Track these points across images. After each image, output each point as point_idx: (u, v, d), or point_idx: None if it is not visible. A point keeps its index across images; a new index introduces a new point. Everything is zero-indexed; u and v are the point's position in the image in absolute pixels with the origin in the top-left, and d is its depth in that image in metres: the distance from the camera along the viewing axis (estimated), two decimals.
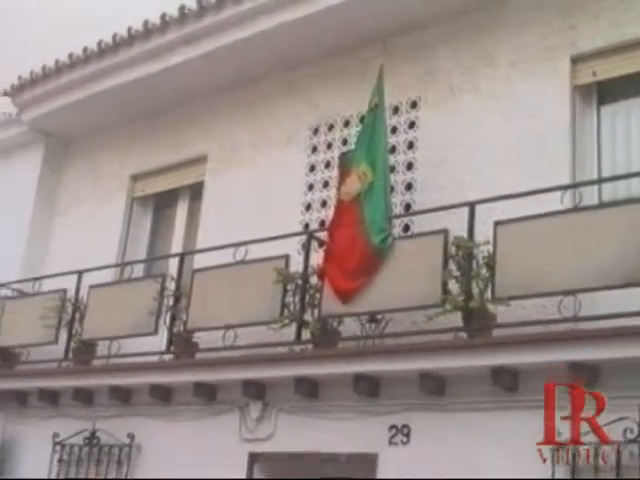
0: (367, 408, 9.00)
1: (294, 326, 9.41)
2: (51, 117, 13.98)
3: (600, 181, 8.68)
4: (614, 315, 7.31)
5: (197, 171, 12.53)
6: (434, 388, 8.49)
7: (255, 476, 9.82)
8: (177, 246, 12.65)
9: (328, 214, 10.10)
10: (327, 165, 10.84)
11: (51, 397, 12.18)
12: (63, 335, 11.89)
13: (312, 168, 10.98)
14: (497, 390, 8.06)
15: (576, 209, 7.93)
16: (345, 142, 10.68)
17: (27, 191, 14.39)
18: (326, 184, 10.73)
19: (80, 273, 12.01)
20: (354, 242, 8.99)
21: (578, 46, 9.10)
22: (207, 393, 10.35)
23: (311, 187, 10.89)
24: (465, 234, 8.38)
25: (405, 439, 8.69)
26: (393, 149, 10.04)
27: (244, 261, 10.02)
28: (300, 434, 9.48)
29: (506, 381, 8.00)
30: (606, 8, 8.97)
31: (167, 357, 10.77)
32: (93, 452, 11.30)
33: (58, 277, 12.42)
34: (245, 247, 10.03)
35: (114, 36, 12.58)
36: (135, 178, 13.47)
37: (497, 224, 8.14)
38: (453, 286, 8.30)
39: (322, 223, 10.39)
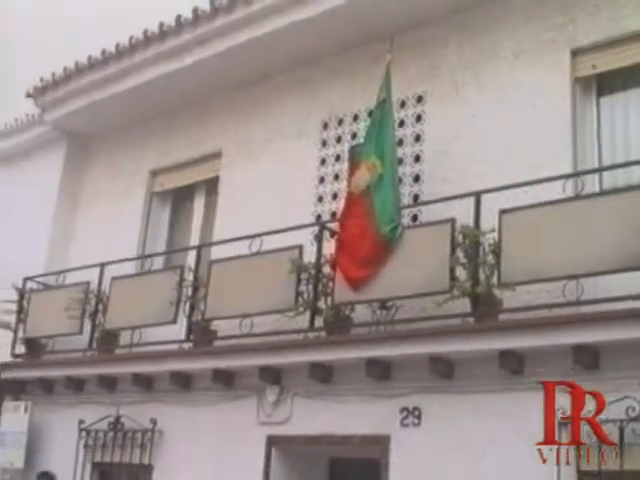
0: (379, 391, 9.00)
1: (308, 314, 9.40)
2: (72, 117, 14.00)
3: (600, 169, 8.66)
4: (615, 298, 7.31)
5: (213, 166, 12.53)
6: (443, 371, 8.49)
7: (273, 457, 9.83)
8: (195, 238, 12.65)
9: (339, 206, 10.07)
10: (337, 158, 10.83)
11: (77, 385, 12.22)
12: (87, 325, 11.93)
13: (323, 161, 10.97)
14: (504, 372, 8.06)
15: (578, 197, 7.91)
16: (354, 136, 10.66)
17: (51, 188, 14.43)
18: (337, 177, 10.72)
19: (102, 266, 12.04)
20: (365, 232, 8.98)
21: (578, 40, 9.06)
22: (225, 379, 10.37)
23: (322, 180, 10.88)
24: (471, 223, 8.36)
25: (416, 421, 8.70)
26: (401, 142, 10.02)
27: (259, 252, 10.03)
28: (315, 417, 9.49)
29: (512, 364, 8.00)
30: (604, 3, 8.93)
31: (186, 345, 10.81)
32: (117, 437, 11.35)
33: (81, 270, 12.44)
34: (260, 238, 10.04)
35: (130, 38, 12.60)
36: (154, 174, 13.48)
37: (502, 212, 8.13)
38: (460, 273, 8.29)
39: (333, 214, 10.37)
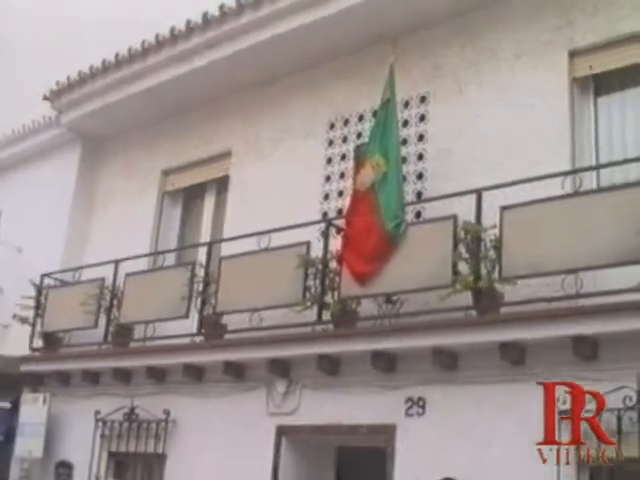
0: (385, 382, 8.99)
1: (315, 308, 9.40)
2: (87, 119, 14.01)
3: (598, 167, 8.62)
4: (613, 291, 7.31)
5: (222, 165, 12.51)
6: (447, 363, 8.49)
7: (282, 447, 9.84)
8: (205, 236, 12.65)
9: (345, 203, 10.06)
10: (343, 157, 10.81)
11: (93, 377, 12.25)
12: (102, 320, 11.95)
13: (329, 160, 10.95)
14: (505, 364, 8.06)
15: (576, 193, 7.91)
16: (359, 135, 10.63)
17: (66, 188, 14.44)
18: (342, 175, 10.70)
19: (117, 262, 12.06)
20: (370, 228, 8.97)
21: (575, 41, 9.04)
22: (236, 371, 10.37)
23: (328, 178, 10.86)
24: (473, 219, 8.35)
25: (421, 410, 8.70)
26: (404, 141, 10.00)
27: (268, 248, 10.03)
28: (323, 408, 9.49)
29: (514, 355, 8.00)
30: (602, 5, 8.90)
31: (198, 339, 10.81)
32: (132, 427, 11.37)
33: (96, 267, 12.44)
34: (268, 235, 10.04)
35: (143, 42, 12.59)
36: (166, 173, 13.47)
37: (503, 209, 8.12)
38: (463, 267, 8.29)
39: (339, 211, 10.36)
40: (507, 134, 9.17)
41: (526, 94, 9.18)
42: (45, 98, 14.26)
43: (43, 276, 13.16)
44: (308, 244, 9.65)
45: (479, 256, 8.19)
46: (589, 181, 8.35)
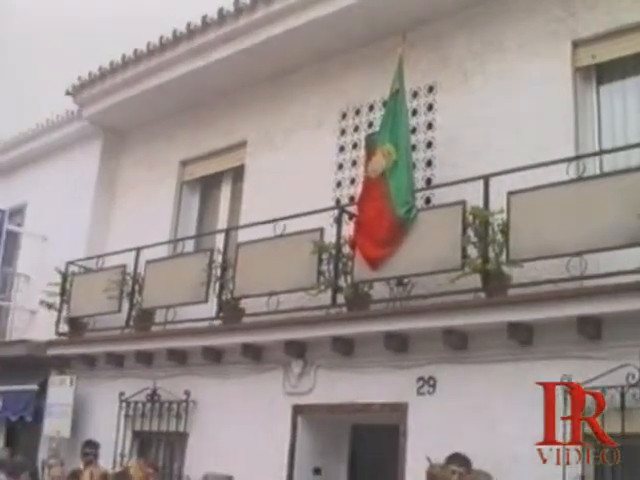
0: (397, 363, 9.00)
1: (329, 291, 9.39)
2: (108, 112, 14.01)
3: (601, 152, 8.58)
4: (616, 273, 7.27)
5: (238, 155, 12.48)
6: (457, 343, 8.49)
7: (299, 425, 9.86)
8: (222, 223, 12.64)
9: (357, 190, 10.03)
10: (355, 146, 10.78)
11: (116, 360, 12.29)
12: (125, 305, 11.99)
13: (341, 149, 10.92)
14: (513, 343, 8.06)
15: (580, 179, 7.85)
16: (370, 125, 10.61)
17: (89, 179, 14.47)
18: (354, 163, 10.67)
19: (138, 250, 12.07)
20: (381, 214, 8.95)
21: (578, 32, 8.96)
22: (253, 353, 10.40)
23: (341, 166, 10.84)
24: (481, 204, 8.33)
25: (432, 389, 8.71)
26: (414, 130, 9.95)
27: (283, 235, 10.03)
28: (338, 387, 9.50)
29: (521, 335, 8.00)
30: None
31: (217, 322, 10.82)
32: (155, 407, 11.43)
33: (118, 254, 12.50)
34: (283, 222, 10.04)
35: (161, 38, 12.57)
36: (184, 164, 13.46)
37: (510, 194, 8.09)
38: (471, 251, 8.28)
39: (352, 198, 10.31)
40: (512, 122, 9.12)
41: (530, 83, 9.12)
42: (67, 93, 14.27)
43: (68, 264, 13.19)
44: (322, 230, 9.64)
45: (487, 240, 8.17)
46: (592, 167, 8.31)
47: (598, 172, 8.29)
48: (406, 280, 8.93)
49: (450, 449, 7.67)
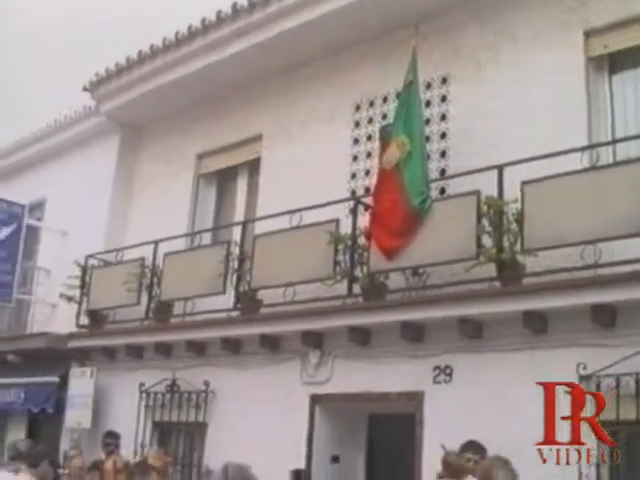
0: (413, 352, 9.00)
1: (346, 282, 9.40)
2: (125, 107, 14.03)
3: (614, 142, 8.51)
4: (631, 261, 7.25)
5: (254, 148, 12.47)
6: (472, 332, 8.48)
7: (316, 414, 9.88)
8: (239, 215, 12.65)
9: (372, 181, 10.01)
10: (369, 138, 10.76)
11: (136, 351, 12.34)
12: (144, 297, 12.02)
13: (356, 141, 10.90)
14: (528, 332, 8.05)
15: (594, 168, 7.82)
16: (384, 116, 10.58)
17: (107, 174, 14.49)
18: (369, 155, 10.65)
19: (156, 243, 12.09)
20: (396, 205, 8.94)
21: (590, 21, 8.90)
22: (271, 344, 10.41)
23: (355, 158, 10.82)
24: (495, 194, 8.31)
25: (448, 378, 8.71)
26: (427, 121, 9.92)
27: (299, 226, 10.03)
28: (354, 377, 9.51)
29: (536, 324, 7.99)
30: None
31: (235, 313, 10.83)
32: (174, 398, 11.46)
33: (137, 247, 12.52)
34: (299, 213, 10.04)
35: (176, 33, 12.57)
36: (200, 157, 13.47)
37: (524, 184, 8.07)
38: (486, 241, 8.26)
39: (367, 189, 10.30)
40: (526, 112, 9.08)
41: (543, 74, 9.08)
42: (85, 89, 14.29)
43: (87, 257, 13.24)
44: (337, 221, 9.64)
45: (502, 229, 8.16)
46: (606, 156, 8.27)
47: (611, 161, 8.24)
48: (421, 270, 8.92)
49: (466, 437, 7.66)
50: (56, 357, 13.33)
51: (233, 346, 10.90)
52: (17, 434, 14.03)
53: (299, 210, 10.06)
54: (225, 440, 10.58)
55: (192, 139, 13.47)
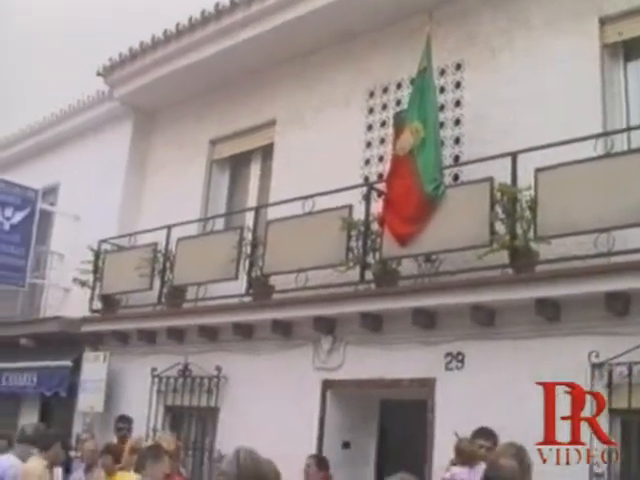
0: (425, 338, 9.01)
1: (358, 268, 9.40)
2: (139, 92, 14.04)
3: (629, 129, 8.47)
4: None
5: (267, 134, 12.48)
6: (484, 319, 8.48)
7: (328, 400, 9.91)
8: (252, 201, 12.66)
9: (385, 167, 10.00)
10: (383, 124, 10.74)
11: (148, 336, 12.38)
12: (156, 282, 12.06)
13: (369, 127, 10.89)
14: (541, 319, 8.04)
15: (608, 155, 7.80)
16: (398, 103, 10.55)
17: (120, 159, 14.52)
18: (382, 141, 10.63)
19: (169, 228, 12.12)
20: (410, 191, 8.93)
21: (604, 9, 8.85)
22: (283, 329, 10.43)
23: (369, 144, 10.81)
24: (509, 181, 8.29)
25: (460, 365, 8.71)
26: (442, 107, 9.89)
27: (312, 212, 10.04)
28: (366, 363, 9.52)
29: (549, 311, 7.98)
30: None
31: (247, 299, 10.85)
32: (186, 383, 11.50)
33: (150, 232, 12.55)
34: (312, 199, 10.05)
35: (190, 18, 12.57)
36: (214, 143, 13.48)
37: (537, 171, 8.04)
38: (499, 228, 8.25)
39: (380, 176, 10.29)
40: (540, 99, 9.05)
41: (558, 60, 9.04)
42: (98, 74, 14.30)
43: (100, 242, 13.28)
44: (350, 207, 9.63)
45: (515, 216, 8.14)
46: (620, 143, 8.23)
47: (626, 148, 8.19)
48: (434, 256, 8.91)
49: (478, 424, 7.67)
50: (69, 341, 13.40)
51: (245, 331, 10.92)
52: (30, 418, 14.11)
53: (312, 196, 10.07)
54: (237, 425, 10.61)
55: (205, 124, 13.47)
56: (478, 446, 7.28)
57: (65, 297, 14.56)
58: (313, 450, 9.57)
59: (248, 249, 10.81)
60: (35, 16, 20.59)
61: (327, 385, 9.94)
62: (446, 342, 8.83)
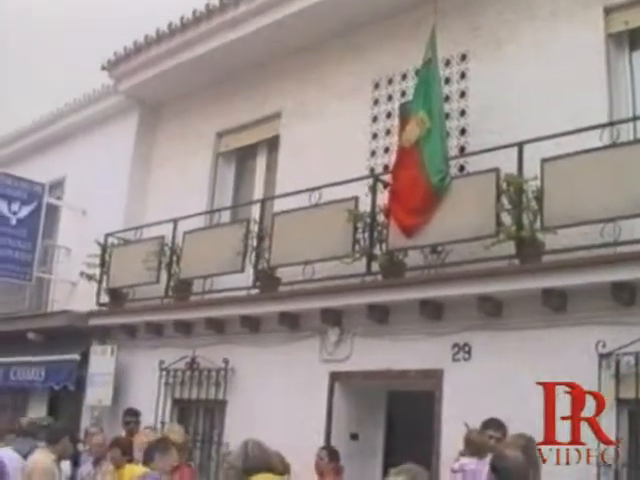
0: (432, 329, 9.02)
1: (364, 259, 9.41)
2: (143, 86, 14.05)
3: (635, 119, 8.45)
4: None
5: (273, 126, 12.48)
6: (491, 310, 8.48)
7: (336, 392, 9.93)
8: (258, 193, 12.67)
9: (391, 159, 10.00)
10: (388, 115, 10.73)
11: (156, 329, 12.42)
12: (163, 275, 12.08)
13: (375, 119, 10.88)
14: (547, 310, 8.04)
15: (614, 145, 7.76)
16: (403, 94, 10.54)
17: (126, 152, 14.54)
18: (388, 132, 10.63)
19: (175, 221, 12.14)
20: (415, 183, 8.92)
21: None
22: (290, 321, 10.45)
23: (375, 136, 10.80)
24: (515, 171, 8.28)
25: (467, 356, 8.72)
26: (447, 98, 9.87)
27: (318, 204, 10.05)
28: (374, 354, 9.54)
29: (555, 301, 7.98)
30: None
31: (254, 291, 10.87)
32: (194, 375, 11.54)
33: (156, 225, 12.58)
34: (318, 191, 10.06)
35: (194, 11, 12.57)
36: (219, 135, 13.49)
37: (543, 161, 8.03)
38: (506, 218, 8.25)
39: (386, 167, 10.28)
40: (546, 89, 9.03)
41: (563, 50, 9.02)
42: (103, 68, 14.31)
43: (107, 235, 13.31)
44: (356, 199, 9.64)
45: (521, 207, 8.14)
46: (626, 133, 8.20)
47: (632, 138, 8.17)
48: (440, 248, 8.92)
49: (485, 415, 7.68)
50: (77, 335, 13.44)
51: (252, 324, 10.95)
52: (38, 412, 14.18)
53: (318, 188, 10.07)
54: (244, 417, 10.66)
55: (211, 117, 13.47)
56: (488, 437, 7.31)
57: (72, 291, 14.61)
58: (321, 442, 9.59)
59: (254, 241, 10.83)
60: (39, 11, 20.62)
61: (334, 377, 9.97)
62: (453, 333, 8.83)
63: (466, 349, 8.73)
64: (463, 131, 9.79)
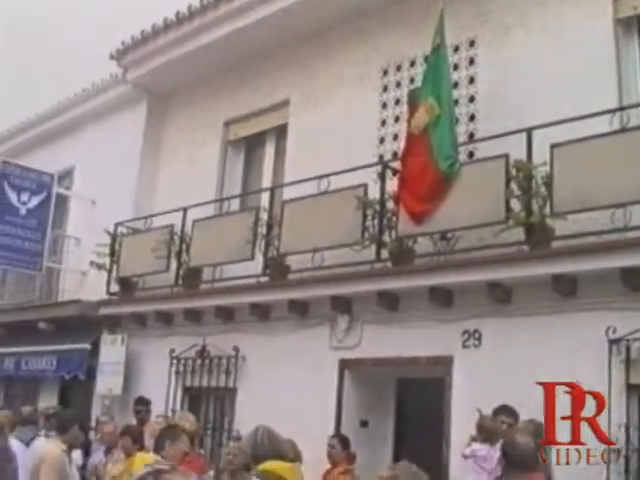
0: (442, 316, 9.02)
1: (374, 247, 9.41)
2: (152, 75, 14.05)
3: None
4: None
5: (281, 114, 12.47)
6: (501, 296, 8.48)
7: (345, 379, 9.94)
8: (267, 181, 12.69)
9: (400, 146, 9.98)
10: (397, 102, 10.71)
11: (166, 318, 12.45)
12: (173, 264, 12.10)
13: (384, 105, 10.86)
14: (557, 296, 8.04)
15: (624, 130, 7.76)
16: (412, 80, 10.52)
17: (135, 142, 14.55)
18: (397, 119, 10.61)
19: (185, 210, 12.15)
20: (425, 169, 8.91)
21: None
22: (300, 309, 10.46)
23: (384, 122, 10.78)
24: (524, 157, 8.26)
25: (477, 342, 8.72)
26: (456, 84, 9.85)
27: (327, 191, 10.03)
28: (383, 341, 9.55)
29: (565, 287, 7.97)
30: None
31: (263, 279, 10.88)
32: (204, 363, 11.58)
33: (165, 214, 12.58)
34: (327, 179, 10.04)
35: (201, 0, 12.55)
36: (228, 124, 13.49)
37: (553, 146, 8.01)
38: (515, 204, 8.24)
39: (395, 154, 10.27)
40: (555, 75, 9.00)
41: (572, 36, 8.99)
42: (111, 57, 14.32)
43: (116, 225, 13.34)
44: (366, 186, 9.63)
45: (530, 193, 8.13)
46: (636, 118, 8.16)
47: None
48: (450, 234, 8.91)
49: (496, 401, 7.69)
50: (87, 324, 13.48)
51: (262, 312, 10.97)
52: (49, 401, 14.22)
53: (327, 175, 10.06)
54: (255, 405, 10.66)
55: (219, 106, 13.47)
56: (500, 422, 7.31)
57: (82, 280, 14.66)
58: (331, 429, 9.62)
59: (264, 229, 10.84)
60: (46, 2, 20.69)
61: (344, 364, 9.98)
62: (463, 320, 8.83)
63: (476, 335, 8.72)
64: (472, 117, 9.76)
